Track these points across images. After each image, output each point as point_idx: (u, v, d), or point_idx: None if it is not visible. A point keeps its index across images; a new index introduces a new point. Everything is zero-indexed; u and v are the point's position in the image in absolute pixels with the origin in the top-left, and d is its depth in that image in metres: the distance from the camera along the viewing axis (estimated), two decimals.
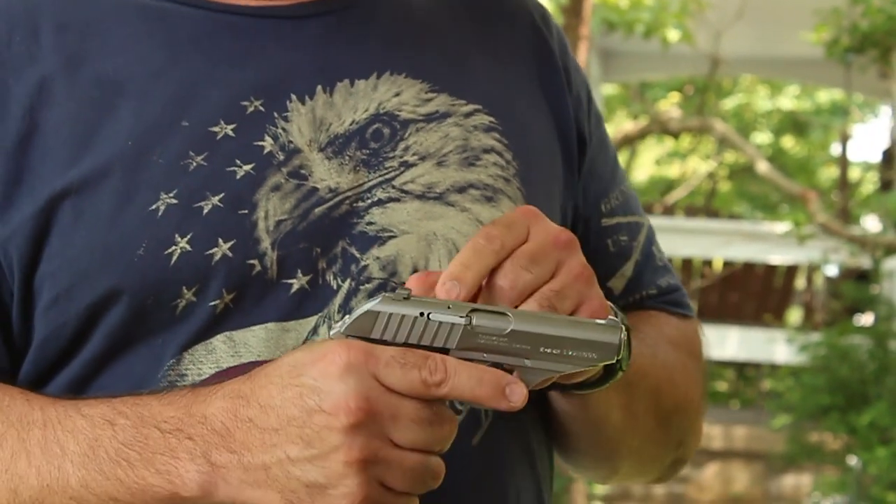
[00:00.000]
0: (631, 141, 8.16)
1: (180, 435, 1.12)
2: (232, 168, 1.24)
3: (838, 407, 7.04)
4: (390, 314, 1.10)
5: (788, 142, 17.40)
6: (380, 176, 1.28)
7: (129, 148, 1.24)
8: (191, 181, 1.23)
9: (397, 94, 1.32)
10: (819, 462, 7.55)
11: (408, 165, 1.29)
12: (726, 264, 10.58)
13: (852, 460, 7.11)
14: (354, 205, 1.26)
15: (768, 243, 9.08)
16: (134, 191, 1.23)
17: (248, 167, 1.25)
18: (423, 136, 1.31)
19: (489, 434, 1.31)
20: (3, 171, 1.24)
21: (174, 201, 1.22)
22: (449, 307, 1.11)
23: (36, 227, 1.23)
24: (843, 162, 13.20)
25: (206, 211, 1.23)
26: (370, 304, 1.11)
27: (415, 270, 1.26)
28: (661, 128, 7.57)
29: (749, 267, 10.51)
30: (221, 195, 1.23)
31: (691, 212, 11.67)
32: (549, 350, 1.13)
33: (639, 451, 1.48)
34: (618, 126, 14.90)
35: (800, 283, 11.23)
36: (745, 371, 12.26)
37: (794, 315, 11.78)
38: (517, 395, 1.11)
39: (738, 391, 12.62)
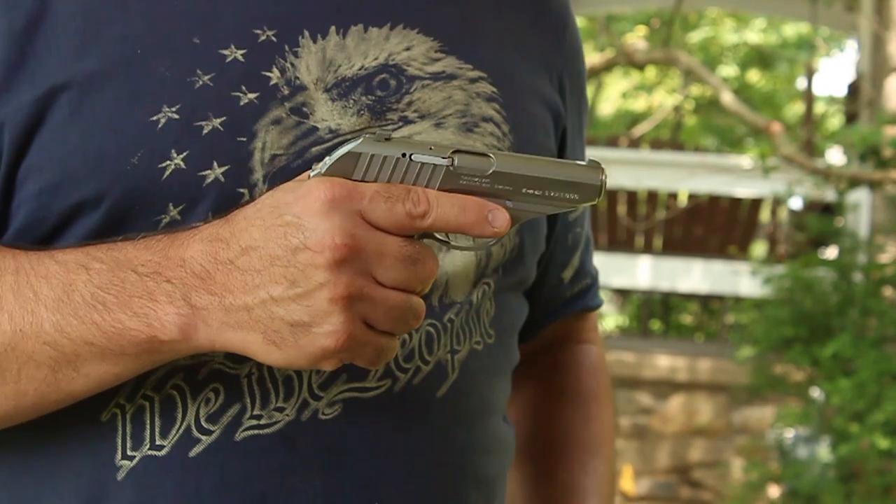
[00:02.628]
0: (597, 73, 8.14)
1: (158, 278, 1.12)
2: (237, 93, 1.23)
3: (802, 339, 7.07)
4: (372, 155, 1.10)
5: (754, 76, 17.41)
6: (379, 126, 1.27)
7: (136, 55, 1.22)
8: (195, 99, 1.22)
9: (408, 49, 1.31)
10: (782, 394, 7.60)
11: (407, 121, 1.29)
12: (691, 197, 10.60)
13: (815, 392, 7.16)
14: None
15: (733, 176, 9.08)
16: (136, 98, 1.21)
17: (252, 95, 1.23)
18: (427, 94, 1.31)
19: (455, 387, 1.30)
20: (6, 54, 1.21)
21: (175, 116, 1.21)
22: (431, 148, 1.11)
23: (31, 116, 1.21)
24: (808, 96, 13.23)
25: (205, 131, 1.21)
26: (351, 146, 1.10)
27: None
28: (627, 60, 7.54)
29: (714, 200, 10.53)
30: (223, 119, 1.22)
31: (657, 145, 11.66)
32: (531, 191, 1.13)
33: None
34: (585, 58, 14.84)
35: (764, 215, 11.26)
36: (709, 304, 12.32)
37: (759, 248, 11.83)
38: (500, 221, 1.11)
39: (703, 324, 12.70)
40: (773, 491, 7.42)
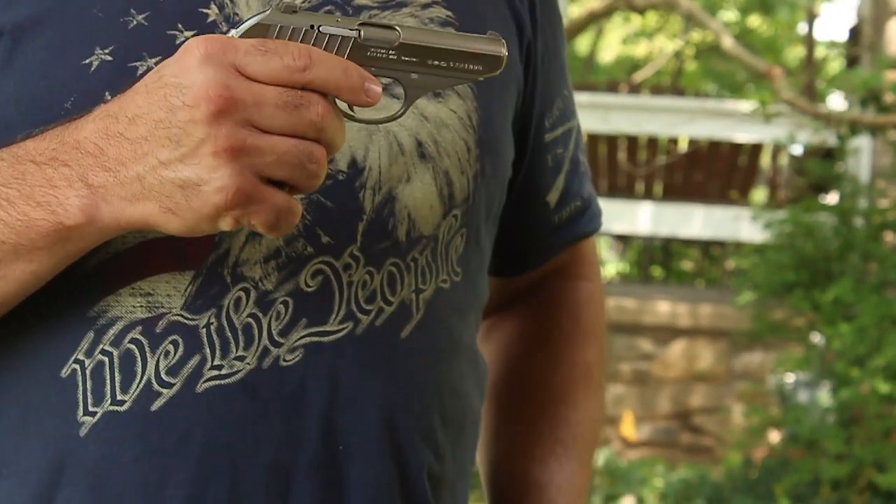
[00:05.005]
0: (597, 19, 8.10)
1: (55, 163, 1.10)
2: (173, 32, 1.21)
3: (802, 284, 7.07)
4: (280, 26, 1.09)
5: (755, 20, 17.31)
6: None
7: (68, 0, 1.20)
8: (128, 39, 1.20)
9: None
10: (783, 339, 7.61)
11: None
12: (691, 142, 10.57)
13: (816, 337, 7.16)
14: None
15: (734, 121, 9.04)
16: (68, 43, 1.19)
17: (189, 33, 1.21)
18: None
19: (420, 327, 1.28)
20: None
21: (109, 58, 1.19)
22: (338, 20, 1.12)
23: None
24: (809, 40, 13.16)
25: (140, 72, 1.19)
26: (259, 17, 1.09)
27: (353, 160, 1.24)
28: (627, 5, 7.49)
29: (714, 145, 10.50)
30: (158, 58, 1.19)
31: (657, 90, 11.62)
32: (436, 62, 1.15)
33: None
34: (584, 4, 14.78)
35: (765, 161, 11.24)
36: (710, 249, 12.31)
37: (759, 193, 11.81)
38: (373, 93, 1.10)
39: (703, 270, 12.70)
40: (774, 436, 7.44)
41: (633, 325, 8.64)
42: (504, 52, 1.17)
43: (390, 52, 1.13)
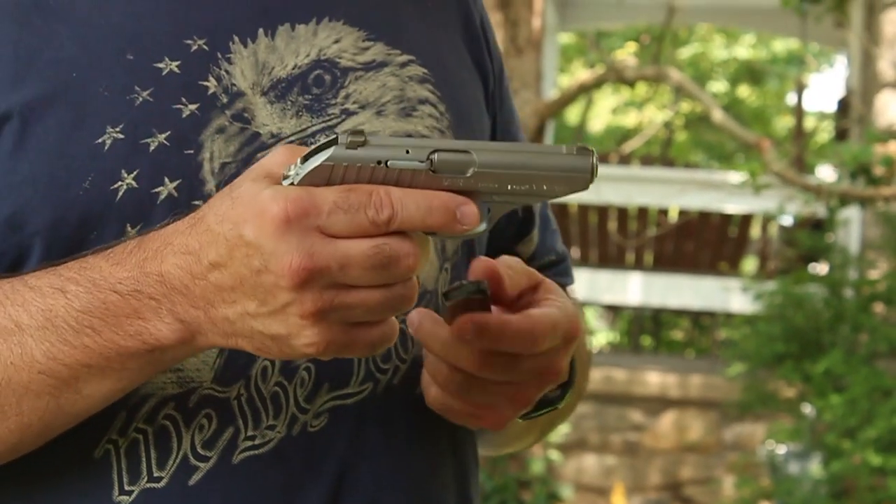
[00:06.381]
0: (587, 90, 8.13)
1: (140, 296, 1.10)
2: (178, 106, 1.22)
3: (793, 355, 7.07)
4: (346, 166, 1.05)
5: (744, 91, 17.43)
6: (322, 122, 1.27)
7: (73, 79, 1.21)
8: (137, 117, 1.21)
9: (337, 41, 1.31)
10: (774, 410, 7.60)
11: (349, 113, 1.28)
12: (681, 213, 10.60)
13: (806, 408, 7.15)
14: None
15: (723, 192, 9.08)
16: (79, 122, 1.20)
17: (193, 107, 1.22)
18: (363, 85, 1.30)
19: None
20: None
21: (120, 136, 1.20)
22: (408, 151, 1.05)
23: None
24: (798, 111, 13.23)
25: (152, 148, 1.20)
26: (324, 156, 1.04)
27: None
28: (617, 76, 7.53)
29: (704, 216, 10.54)
30: (168, 133, 1.21)
31: (647, 161, 11.67)
32: (517, 187, 1.08)
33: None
34: (574, 75, 14.86)
35: (755, 231, 11.27)
36: (700, 320, 12.32)
37: (750, 264, 11.83)
38: (469, 218, 1.06)
39: (694, 340, 12.70)
40: None
41: (623, 396, 8.62)
42: (591, 165, 1.09)
43: (467, 180, 1.07)
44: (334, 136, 1.05)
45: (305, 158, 1.05)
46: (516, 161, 1.08)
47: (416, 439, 1.30)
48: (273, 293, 1.05)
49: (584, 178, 1.09)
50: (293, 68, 1.28)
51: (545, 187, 1.09)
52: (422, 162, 1.06)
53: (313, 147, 1.05)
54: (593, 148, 1.11)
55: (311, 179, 1.05)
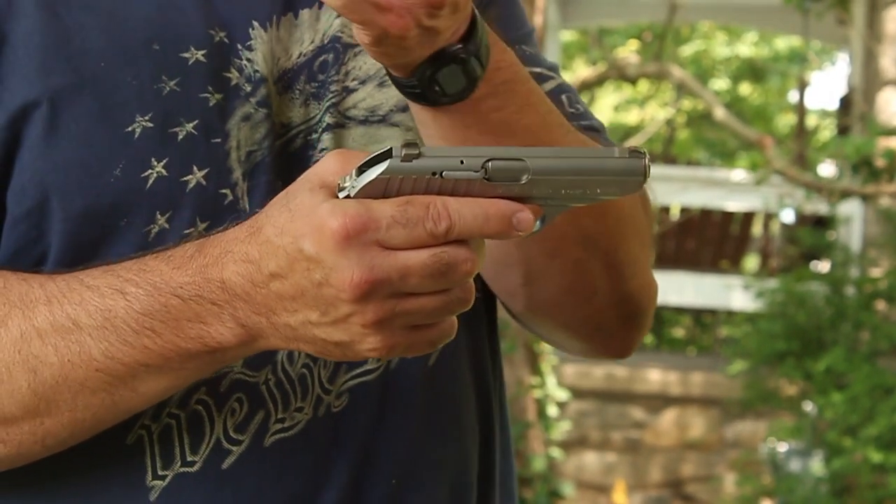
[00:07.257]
0: (589, 87, 8.14)
1: (202, 301, 1.11)
2: (205, 94, 1.23)
3: (794, 353, 7.07)
4: (402, 178, 1.05)
5: (746, 89, 17.43)
6: (327, 101, 1.27)
7: (101, 68, 1.22)
8: (165, 106, 1.21)
9: (339, 16, 1.30)
10: (775, 408, 7.60)
11: (349, 91, 1.29)
12: (683, 210, 10.60)
13: (808, 406, 7.15)
14: (308, 137, 1.27)
15: (725, 190, 9.08)
16: (109, 110, 1.21)
17: (219, 96, 1.23)
18: (362, 59, 1.30)
19: (441, 353, 1.30)
20: None
21: (150, 125, 1.21)
22: (462, 161, 1.06)
23: (7, 140, 1.20)
24: (800, 109, 13.24)
25: (180, 137, 1.21)
26: (379, 171, 1.04)
27: None
28: (619, 74, 7.54)
29: (706, 213, 10.53)
30: (195, 122, 1.22)
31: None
32: (570, 191, 1.08)
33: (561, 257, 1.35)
34: (576, 72, 14.87)
35: (756, 229, 11.26)
36: (701, 317, 12.32)
37: (751, 261, 11.83)
38: (525, 224, 1.07)
39: (695, 338, 12.70)
40: None
41: (624, 394, 8.62)
42: (644, 167, 1.10)
43: (521, 187, 1.07)
44: (388, 147, 1.05)
45: (360, 170, 1.05)
46: (569, 166, 1.08)
47: (435, 412, 1.31)
48: (335, 305, 1.06)
49: (638, 181, 1.10)
50: (299, 56, 1.28)
51: (599, 190, 1.09)
52: (476, 171, 1.06)
53: (368, 158, 1.05)
54: (645, 150, 1.11)
55: (367, 192, 1.05)
